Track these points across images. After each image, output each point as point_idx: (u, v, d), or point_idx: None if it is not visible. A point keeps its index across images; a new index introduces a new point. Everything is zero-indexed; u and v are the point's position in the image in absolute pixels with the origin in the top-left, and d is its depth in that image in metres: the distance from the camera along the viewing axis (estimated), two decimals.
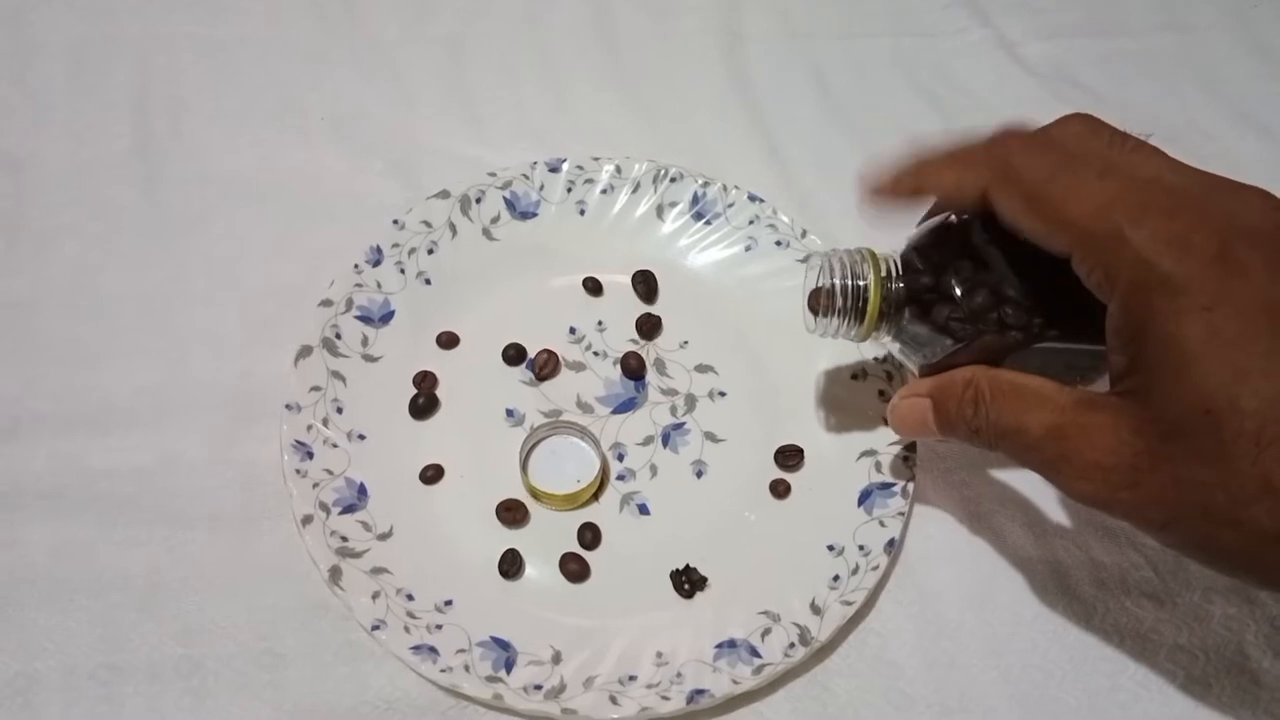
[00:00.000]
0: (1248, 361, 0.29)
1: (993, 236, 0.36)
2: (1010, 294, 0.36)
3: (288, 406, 0.43)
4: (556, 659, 0.40)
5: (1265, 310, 0.29)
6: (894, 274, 0.38)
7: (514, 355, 0.47)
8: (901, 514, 0.43)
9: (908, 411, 0.38)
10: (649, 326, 0.48)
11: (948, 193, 0.36)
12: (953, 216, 0.37)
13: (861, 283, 0.38)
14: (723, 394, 0.47)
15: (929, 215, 0.39)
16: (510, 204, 0.51)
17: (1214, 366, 0.29)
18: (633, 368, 0.47)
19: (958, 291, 0.36)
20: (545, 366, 0.47)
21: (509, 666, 0.39)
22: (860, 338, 0.39)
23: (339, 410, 0.44)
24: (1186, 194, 0.32)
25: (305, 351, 0.45)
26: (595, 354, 0.48)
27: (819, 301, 0.39)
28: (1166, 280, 0.30)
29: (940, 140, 0.37)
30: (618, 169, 0.51)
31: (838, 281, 0.38)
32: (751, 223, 0.50)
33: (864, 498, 0.43)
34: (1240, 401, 0.29)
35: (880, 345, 0.45)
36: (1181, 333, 0.30)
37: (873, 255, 0.39)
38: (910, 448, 0.44)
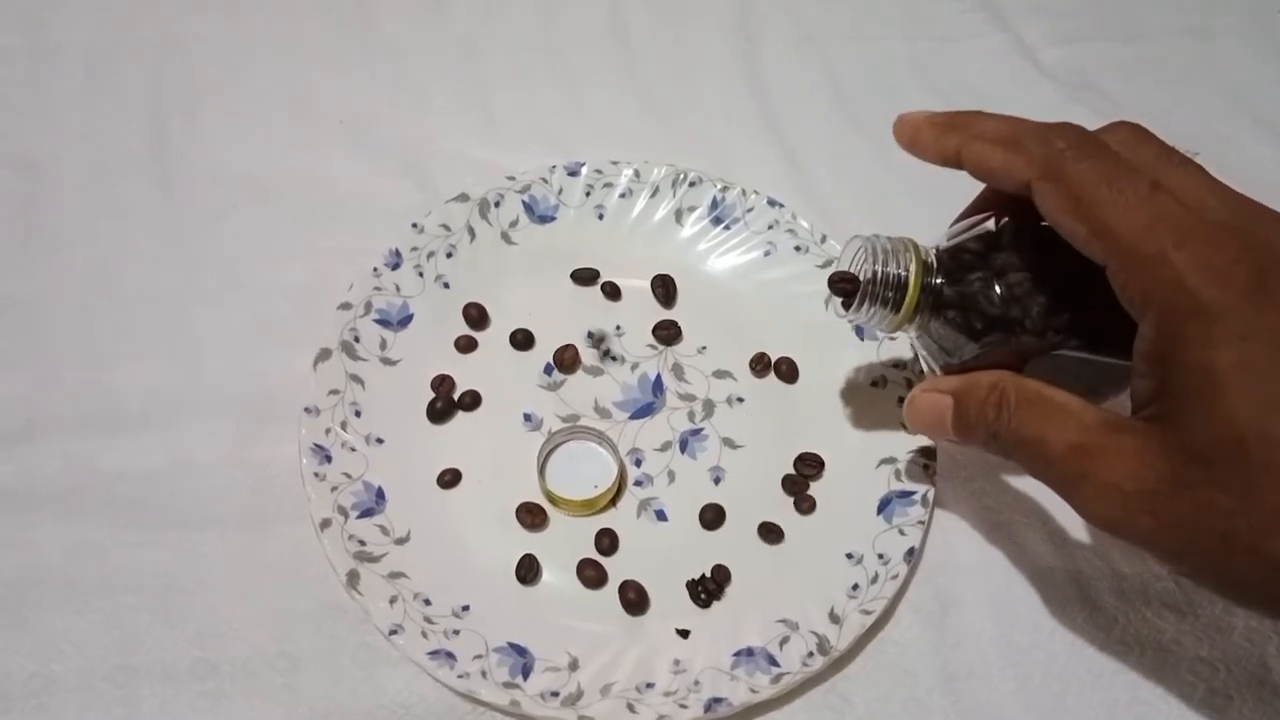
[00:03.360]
0: None
1: (1027, 241, 0.35)
2: (1040, 298, 0.35)
3: (306, 409, 0.43)
4: (574, 665, 0.39)
5: None
6: (934, 268, 0.38)
7: (522, 340, 0.47)
8: (921, 522, 0.42)
9: (927, 407, 0.38)
10: (667, 331, 0.48)
11: (991, 172, 0.35)
12: (990, 223, 0.37)
13: (903, 273, 0.37)
14: (741, 400, 0.47)
15: (964, 215, 0.39)
16: (529, 207, 0.50)
17: (1246, 396, 0.29)
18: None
19: (997, 290, 0.36)
20: (565, 355, 0.47)
21: (526, 672, 0.39)
22: (891, 328, 0.39)
23: (357, 414, 0.44)
24: (1227, 221, 0.32)
25: (324, 354, 0.45)
26: (613, 358, 0.47)
27: (849, 284, 0.38)
28: (1203, 308, 0.30)
29: (992, 115, 0.36)
30: (636, 173, 0.51)
31: (879, 268, 0.38)
32: (770, 228, 0.50)
33: (883, 506, 0.43)
34: (1271, 432, 0.29)
35: (906, 339, 0.45)
36: (1215, 361, 0.30)
37: (915, 246, 0.38)
38: (930, 455, 0.44)
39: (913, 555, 0.42)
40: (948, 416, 0.37)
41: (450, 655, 0.39)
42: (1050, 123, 0.35)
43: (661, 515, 0.44)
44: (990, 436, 0.35)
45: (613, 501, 0.44)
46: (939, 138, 0.36)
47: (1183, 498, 0.30)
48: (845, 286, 0.39)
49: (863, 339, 0.47)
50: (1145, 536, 0.32)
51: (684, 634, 0.41)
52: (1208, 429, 0.30)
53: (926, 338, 0.39)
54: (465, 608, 0.40)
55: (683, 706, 0.38)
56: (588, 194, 0.51)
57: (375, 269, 0.47)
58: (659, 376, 0.47)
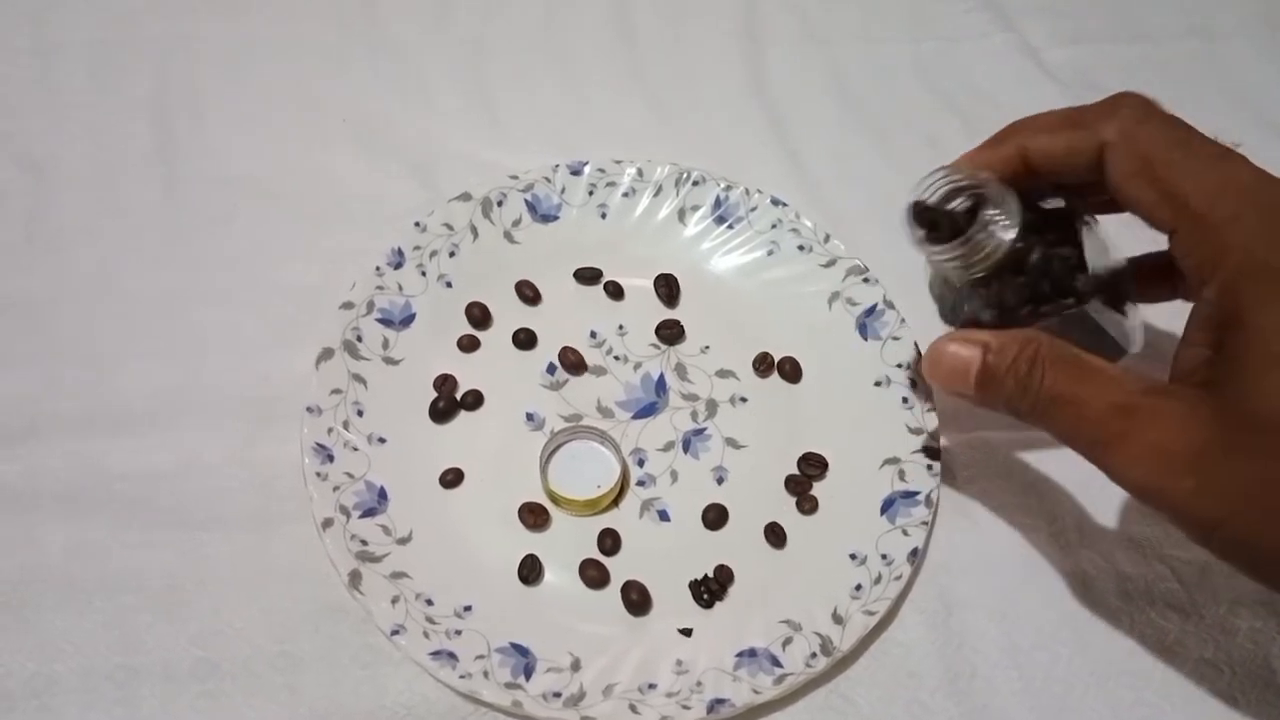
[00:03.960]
0: None
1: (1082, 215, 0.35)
2: (1088, 267, 0.35)
3: (309, 409, 0.43)
4: (576, 666, 0.39)
5: None
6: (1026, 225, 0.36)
7: (524, 340, 0.47)
8: (925, 523, 0.42)
9: (951, 356, 0.36)
10: (670, 331, 0.48)
11: (1058, 156, 0.35)
12: (1059, 201, 0.36)
13: (1008, 223, 0.35)
14: (744, 400, 0.47)
15: None
16: (532, 207, 0.50)
17: None
18: None
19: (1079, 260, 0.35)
20: (569, 357, 0.47)
21: (528, 673, 0.39)
22: (965, 278, 0.37)
23: (359, 413, 0.44)
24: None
25: (326, 354, 0.45)
26: (616, 358, 0.47)
27: (936, 216, 0.36)
28: (1275, 272, 0.30)
29: (1041, 113, 0.36)
30: (639, 172, 0.51)
31: (992, 214, 0.35)
32: (774, 227, 0.50)
33: (887, 506, 0.43)
34: None
35: (909, 339, 0.45)
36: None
37: (1015, 197, 0.36)
38: (934, 456, 0.44)
39: (916, 556, 0.42)
40: (974, 368, 0.35)
41: (452, 655, 0.39)
42: (1111, 96, 0.35)
43: (664, 515, 0.44)
44: (1019, 391, 0.34)
45: (615, 501, 0.44)
46: (997, 151, 0.36)
47: (1233, 462, 0.30)
48: (932, 217, 0.37)
49: (866, 338, 0.47)
50: (1183, 500, 0.31)
51: (686, 633, 0.41)
52: (1265, 394, 0.29)
53: (977, 290, 0.37)
54: (467, 608, 0.40)
55: (685, 708, 0.38)
56: (591, 193, 0.51)
57: (378, 268, 0.47)
58: (662, 376, 0.47)
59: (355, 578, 0.40)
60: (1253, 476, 0.29)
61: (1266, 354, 0.29)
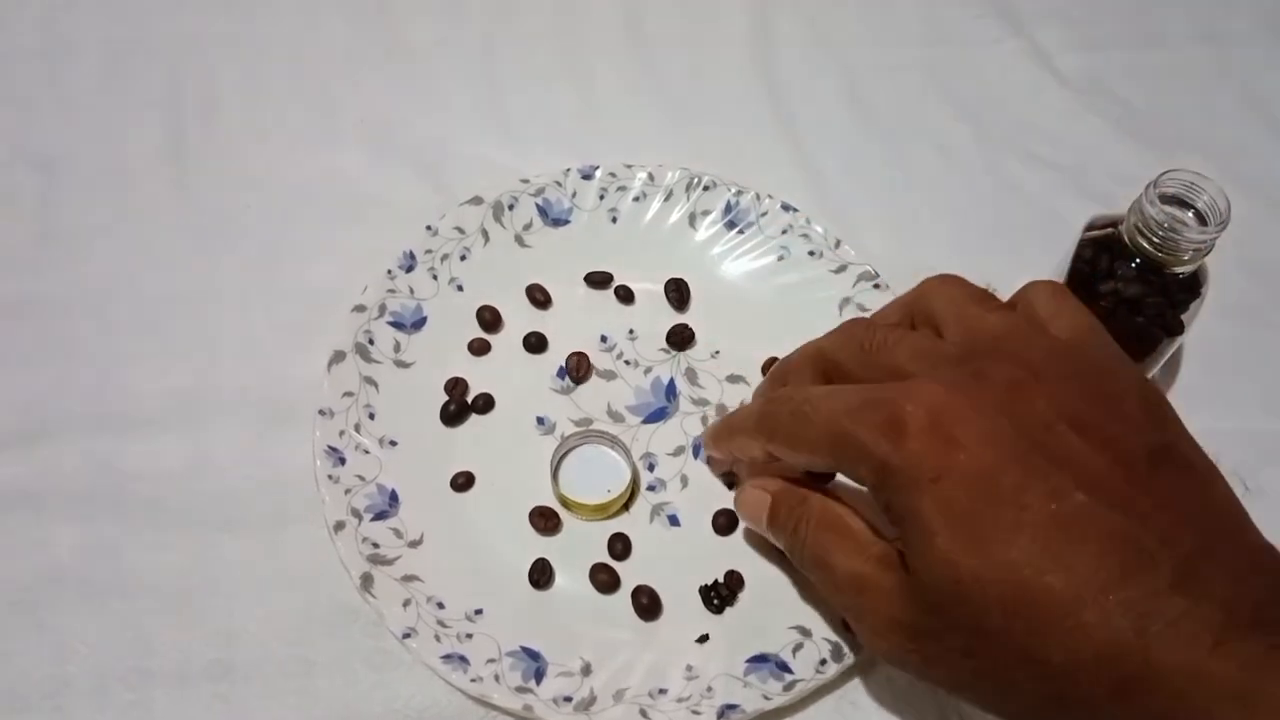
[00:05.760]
0: (982, 530, 0.30)
1: None
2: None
3: (320, 412, 0.43)
4: (586, 670, 0.39)
5: (983, 477, 0.30)
6: None
7: (535, 343, 0.47)
8: None
9: (754, 501, 0.39)
10: (681, 336, 0.48)
11: (738, 456, 0.40)
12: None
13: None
14: None
15: None
16: (543, 211, 0.50)
17: (953, 538, 0.30)
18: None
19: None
20: (579, 369, 0.47)
21: (539, 677, 0.39)
22: (1177, 261, 0.40)
23: (371, 416, 0.44)
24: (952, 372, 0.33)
25: (338, 356, 0.45)
26: (626, 363, 0.47)
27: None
28: (887, 464, 0.31)
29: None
30: (650, 176, 0.51)
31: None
32: (784, 232, 0.50)
33: None
34: (982, 572, 0.29)
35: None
36: (919, 507, 0.31)
37: None
38: None
39: None
40: (764, 513, 0.39)
41: (463, 659, 0.39)
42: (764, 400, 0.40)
43: (674, 520, 0.44)
44: (791, 545, 0.38)
45: (626, 506, 0.44)
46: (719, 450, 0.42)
47: (935, 639, 0.32)
48: (1186, 200, 0.40)
49: None
50: (918, 671, 0.34)
51: (703, 640, 0.41)
52: (931, 574, 0.31)
53: (1149, 278, 0.41)
54: (478, 611, 0.40)
55: (695, 713, 0.38)
56: (601, 197, 0.51)
57: (389, 271, 0.47)
58: (672, 381, 0.47)
59: (367, 581, 0.40)
60: (950, 651, 0.32)
61: (918, 538, 0.31)
